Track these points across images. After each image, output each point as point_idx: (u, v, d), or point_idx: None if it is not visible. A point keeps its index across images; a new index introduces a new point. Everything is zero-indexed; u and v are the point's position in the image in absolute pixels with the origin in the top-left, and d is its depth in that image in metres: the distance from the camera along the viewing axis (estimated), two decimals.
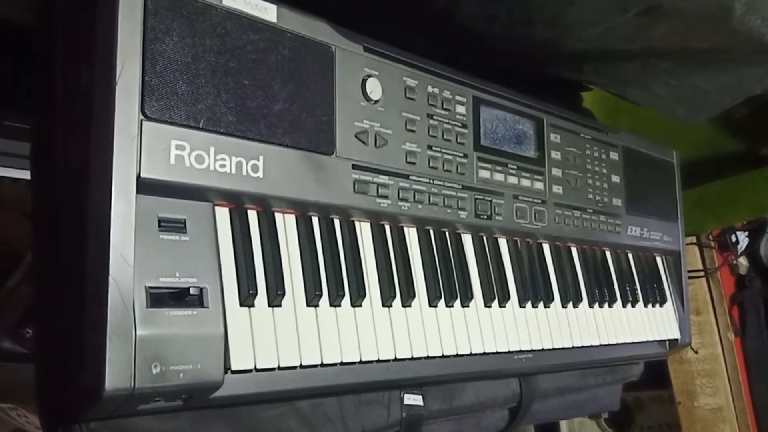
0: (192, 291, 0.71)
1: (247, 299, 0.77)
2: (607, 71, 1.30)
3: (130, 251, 0.68)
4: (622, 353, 1.30)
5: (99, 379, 0.65)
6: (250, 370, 0.76)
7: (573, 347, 1.17)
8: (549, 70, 1.30)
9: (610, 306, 1.27)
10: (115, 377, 0.65)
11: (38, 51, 0.81)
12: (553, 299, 1.15)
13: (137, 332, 0.67)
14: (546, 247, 1.19)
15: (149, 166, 0.70)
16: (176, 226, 0.73)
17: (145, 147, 0.70)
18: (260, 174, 0.79)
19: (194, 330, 0.71)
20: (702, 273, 2.08)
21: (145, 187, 0.70)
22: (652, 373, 1.69)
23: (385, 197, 0.92)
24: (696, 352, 2.07)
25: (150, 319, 0.68)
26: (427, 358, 0.94)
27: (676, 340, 1.42)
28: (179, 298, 0.71)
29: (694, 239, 2.10)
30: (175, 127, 0.73)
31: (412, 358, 0.92)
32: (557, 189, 1.20)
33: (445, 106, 1.02)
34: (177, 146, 0.72)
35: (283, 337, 0.79)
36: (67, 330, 0.71)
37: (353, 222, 0.92)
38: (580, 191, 1.25)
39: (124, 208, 0.68)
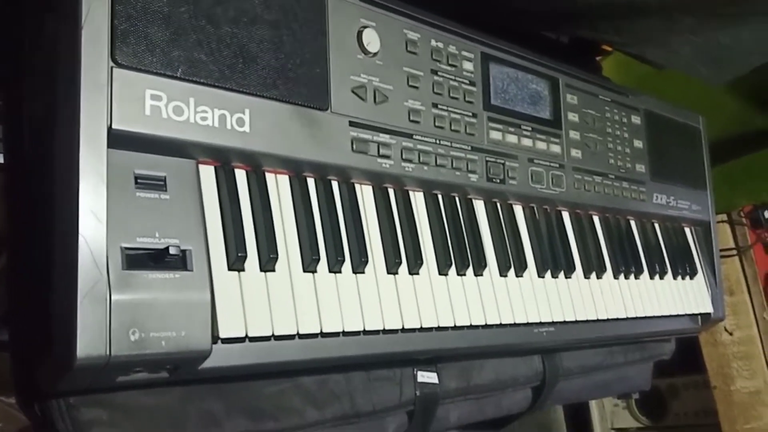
0: (173, 251, 0.65)
1: (235, 263, 0.71)
2: (626, 28, 1.22)
3: (102, 208, 0.62)
4: (651, 328, 1.22)
5: (70, 346, 0.59)
6: (242, 339, 0.71)
7: (597, 320, 1.10)
8: (563, 28, 1.23)
9: (636, 277, 1.20)
10: (87, 344, 0.60)
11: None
12: (574, 269, 1.08)
13: (112, 295, 0.61)
14: (566, 215, 1.12)
15: (121, 117, 0.65)
16: (155, 183, 0.68)
17: (117, 96, 0.64)
18: (246, 128, 0.73)
19: (177, 294, 0.65)
20: (734, 251, 1.98)
21: (117, 139, 0.65)
22: (685, 357, 1.62)
23: (387, 157, 0.86)
24: (731, 334, 1.98)
25: (126, 282, 0.63)
26: (439, 329, 0.88)
27: (709, 314, 1.33)
28: (159, 259, 0.65)
29: (725, 217, 2.01)
30: (150, 75, 0.67)
31: (422, 329, 0.86)
32: (576, 153, 1.13)
33: (450, 62, 0.95)
34: (152, 96, 0.67)
35: (277, 303, 0.73)
36: (38, 296, 0.66)
37: (353, 184, 0.86)
38: (601, 156, 1.17)
39: (94, 162, 0.62)
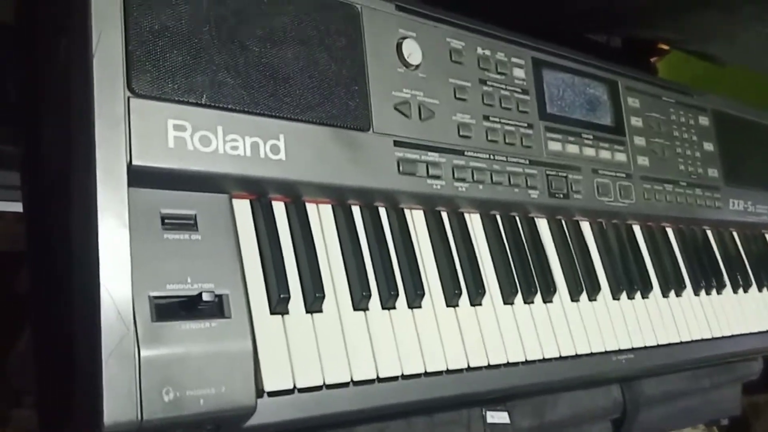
0: (206, 298, 0.57)
1: (278, 305, 0.64)
2: (686, 24, 1.14)
3: (125, 254, 0.56)
4: (738, 347, 1.11)
5: (97, 412, 0.52)
6: (289, 391, 0.63)
7: (680, 342, 1.00)
8: (618, 29, 1.15)
9: (718, 293, 1.10)
10: (115, 409, 0.53)
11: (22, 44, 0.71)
12: (651, 288, 0.99)
13: (141, 351, 0.55)
14: (637, 229, 1.04)
15: (142, 152, 0.58)
16: (184, 222, 0.61)
17: (135, 129, 0.58)
18: (282, 156, 0.66)
19: (214, 345, 0.58)
20: None
21: (139, 177, 0.58)
22: (766, 373, 1.49)
23: (438, 177, 0.78)
24: None
25: (157, 335, 0.56)
26: (508, 365, 0.79)
27: None
28: (192, 307, 0.58)
29: None
30: (171, 103, 0.61)
31: (489, 367, 0.77)
32: (643, 160, 1.03)
33: (500, 70, 0.88)
34: (175, 126, 0.60)
35: (326, 347, 0.66)
36: (62, 356, 0.59)
37: (402, 209, 0.78)
38: (670, 162, 1.08)
39: (113, 203, 0.56)
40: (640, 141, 1.04)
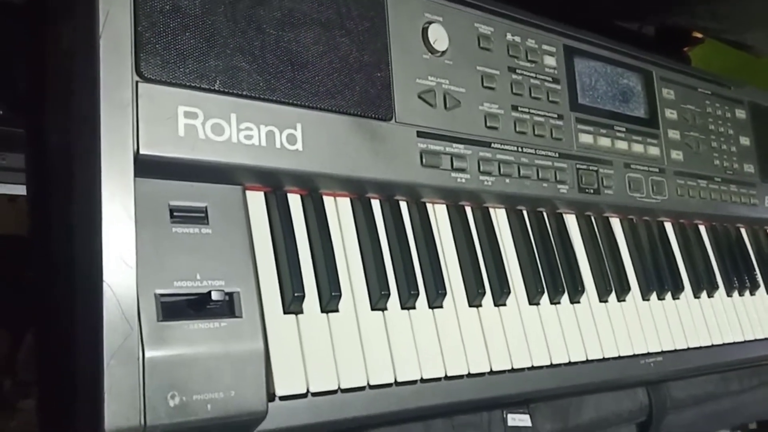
0: (216, 297, 0.54)
1: (292, 304, 0.60)
2: (724, 11, 1.08)
3: (130, 249, 0.52)
4: None
5: (98, 417, 0.49)
6: (302, 395, 0.60)
7: (711, 345, 0.96)
8: (652, 16, 1.09)
9: (752, 293, 1.06)
10: (117, 414, 0.50)
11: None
12: (682, 288, 0.95)
13: (145, 353, 0.51)
14: (669, 226, 1.00)
15: (150, 140, 0.55)
16: (194, 216, 0.58)
17: (144, 116, 0.55)
18: (299, 146, 0.63)
19: (224, 346, 0.55)
20: None
21: (147, 166, 0.55)
22: None
23: (463, 170, 0.74)
24: None
25: (163, 336, 0.53)
26: (532, 368, 0.75)
27: None
28: (201, 305, 0.55)
29: None
30: (183, 89, 0.57)
31: (513, 370, 0.73)
32: (677, 155, 0.99)
33: (530, 58, 0.83)
34: (186, 113, 0.57)
35: (342, 349, 0.62)
36: (63, 354, 0.56)
37: (424, 204, 0.74)
38: (705, 156, 1.03)
39: (119, 194, 0.52)
40: (674, 134, 0.99)
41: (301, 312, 0.61)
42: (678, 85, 1.02)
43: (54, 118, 0.61)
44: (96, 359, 0.50)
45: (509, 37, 0.82)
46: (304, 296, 0.61)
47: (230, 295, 0.57)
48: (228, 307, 0.57)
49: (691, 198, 1.00)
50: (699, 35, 1.34)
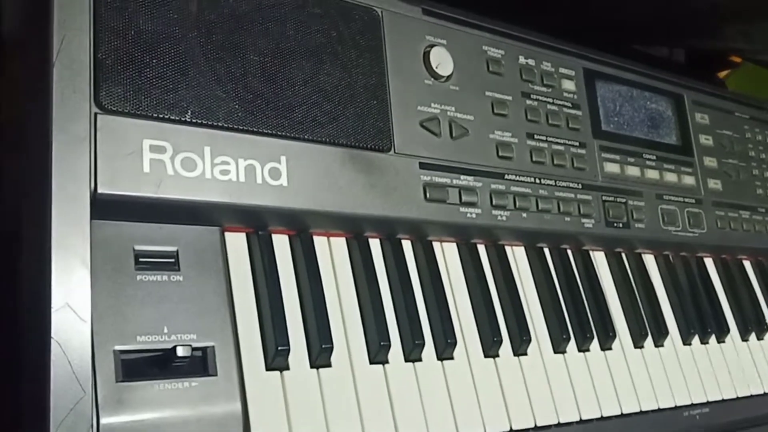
0: (182, 352, 0.48)
1: (276, 359, 0.53)
2: (757, 33, 1.01)
3: (84, 300, 0.46)
4: None
5: None
6: None
7: (764, 394, 0.87)
8: (681, 40, 1.02)
9: None
10: None
11: None
12: (728, 331, 0.88)
13: (100, 420, 0.45)
14: (709, 262, 0.92)
15: (109, 178, 0.49)
16: (163, 262, 0.52)
17: (103, 150, 0.49)
18: (283, 181, 0.56)
19: (194, 409, 0.48)
20: None
21: (107, 207, 0.49)
22: None
23: (473, 204, 0.67)
24: None
25: (121, 399, 0.46)
26: (559, 425, 0.67)
27: None
28: (167, 363, 0.48)
29: None
30: (149, 120, 0.51)
31: (536, 428, 0.65)
32: (714, 184, 0.91)
33: (546, 82, 0.77)
34: (152, 147, 0.51)
35: (335, 410, 0.55)
36: (10, 421, 0.50)
37: (430, 242, 0.67)
38: (745, 185, 0.95)
39: (71, 239, 0.46)
40: (710, 162, 0.91)
41: (287, 368, 0.54)
42: (712, 109, 0.95)
43: (9, 159, 0.55)
44: (42, 428, 0.44)
45: (522, 60, 0.75)
46: (288, 350, 0.54)
47: (203, 350, 0.51)
48: (200, 364, 0.50)
49: (733, 230, 0.91)
50: (733, 59, 1.27)
